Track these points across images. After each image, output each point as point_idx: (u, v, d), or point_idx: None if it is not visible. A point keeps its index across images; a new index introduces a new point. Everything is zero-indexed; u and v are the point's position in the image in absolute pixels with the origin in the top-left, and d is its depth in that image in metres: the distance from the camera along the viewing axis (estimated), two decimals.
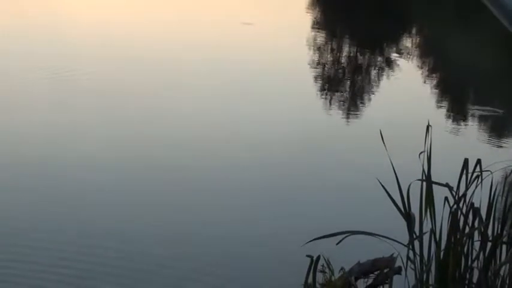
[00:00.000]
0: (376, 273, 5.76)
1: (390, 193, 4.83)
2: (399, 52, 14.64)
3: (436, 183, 4.83)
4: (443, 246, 4.78)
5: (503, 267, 4.80)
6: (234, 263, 6.24)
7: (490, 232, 4.89)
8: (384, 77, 12.82)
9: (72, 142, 8.47)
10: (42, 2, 16.51)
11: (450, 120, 10.53)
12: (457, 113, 10.89)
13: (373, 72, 13.32)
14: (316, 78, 12.26)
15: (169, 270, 6.04)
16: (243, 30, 14.76)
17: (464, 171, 4.82)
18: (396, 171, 4.86)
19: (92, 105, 9.75)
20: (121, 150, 8.40)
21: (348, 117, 10.39)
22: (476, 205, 4.86)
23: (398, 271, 5.28)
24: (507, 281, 4.76)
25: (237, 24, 15.13)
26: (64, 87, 10.43)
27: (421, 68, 13.81)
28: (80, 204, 7.04)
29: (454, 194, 4.83)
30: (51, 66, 11.31)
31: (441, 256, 4.77)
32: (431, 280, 4.83)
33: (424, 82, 12.66)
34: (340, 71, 13.49)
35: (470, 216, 4.86)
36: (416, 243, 4.82)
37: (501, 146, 9.59)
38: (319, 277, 5.58)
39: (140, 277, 5.92)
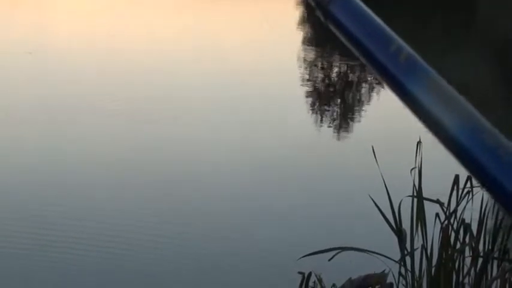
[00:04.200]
0: None
1: (381, 209, 4.84)
2: None
3: (427, 199, 4.84)
4: (434, 262, 4.78)
5: (495, 283, 4.81)
6: (222, 277, 6.21)
7: (481, 247, 4.90)
8: (374, 92, 12.84)
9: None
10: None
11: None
12: None
13: (363, 88, 13.34)
14: (307, 93, 12.28)
15: None
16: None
17: (455, 187, 4.83)
18: (387, 187, 4.86)
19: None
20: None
21: (339, 132, 10.40)
22: (467, 221, 4.87)
23: (390, 287, 5.27)
24: None
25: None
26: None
27: None
28: None
29: (445, 210, 4.84)
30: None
31: (432, 272, 4.76)
32: None
33: None
34: (330, 86, 13.51)
35: (461, 232, 4.87)
36: (408, 260, 4.82)
37: None
38: None
39: None
